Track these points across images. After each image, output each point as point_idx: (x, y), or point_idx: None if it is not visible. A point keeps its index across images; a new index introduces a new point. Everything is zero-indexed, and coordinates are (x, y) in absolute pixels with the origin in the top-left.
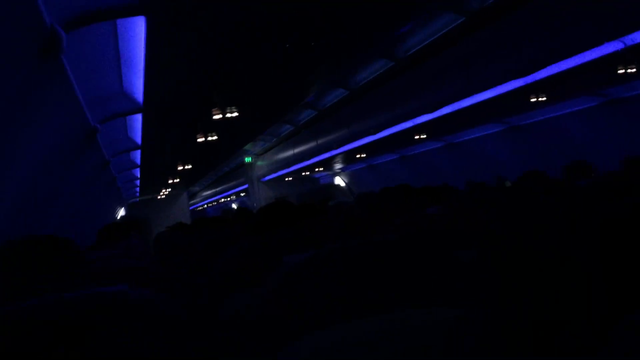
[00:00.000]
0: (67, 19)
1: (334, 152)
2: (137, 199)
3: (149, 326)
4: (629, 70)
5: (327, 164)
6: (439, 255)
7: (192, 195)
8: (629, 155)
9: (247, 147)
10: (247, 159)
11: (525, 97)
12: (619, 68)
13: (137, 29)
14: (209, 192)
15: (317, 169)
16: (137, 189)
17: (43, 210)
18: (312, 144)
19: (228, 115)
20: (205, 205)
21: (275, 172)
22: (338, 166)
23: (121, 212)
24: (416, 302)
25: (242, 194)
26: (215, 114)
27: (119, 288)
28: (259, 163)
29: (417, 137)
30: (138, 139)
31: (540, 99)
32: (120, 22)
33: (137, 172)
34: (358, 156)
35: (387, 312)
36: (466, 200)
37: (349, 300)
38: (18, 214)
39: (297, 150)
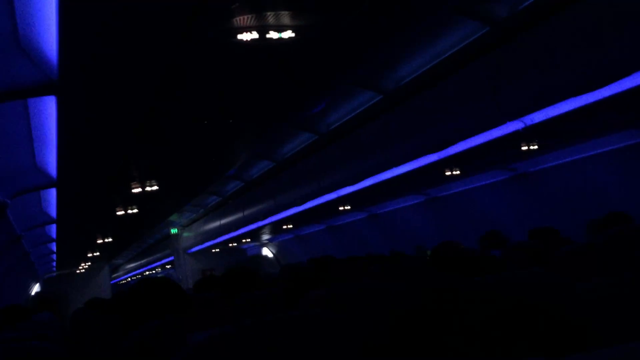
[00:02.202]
0: None
1: (260, 223)
2: (54, 274)
3: None
4: (531, 147)
5: (255, 235)
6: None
7: (115, 269)
8: (536, 227)
9: (173, 218)
10: (173, 231)
11: (441, 171)
12: (522, 145)
13: (48, 107)
14: (133, 265)
15: (244, 240)
16: (54, 263)
17: None
18: (239, 215)
19: (148, 188)
20: (130, 279)
21: (202, 243)
22: (265, 237)
23: (36, 288)
24: None
25: (168, 266)
26: (134, 188)
27: None
28: (185, 234)
29: (341, 208)
30: (53, 212)
31: (454, 172)
32: (31, 99)
33: (54, 246)
34: (285, 227)
35: None
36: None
37: None
38: None
39: (223, 221)
